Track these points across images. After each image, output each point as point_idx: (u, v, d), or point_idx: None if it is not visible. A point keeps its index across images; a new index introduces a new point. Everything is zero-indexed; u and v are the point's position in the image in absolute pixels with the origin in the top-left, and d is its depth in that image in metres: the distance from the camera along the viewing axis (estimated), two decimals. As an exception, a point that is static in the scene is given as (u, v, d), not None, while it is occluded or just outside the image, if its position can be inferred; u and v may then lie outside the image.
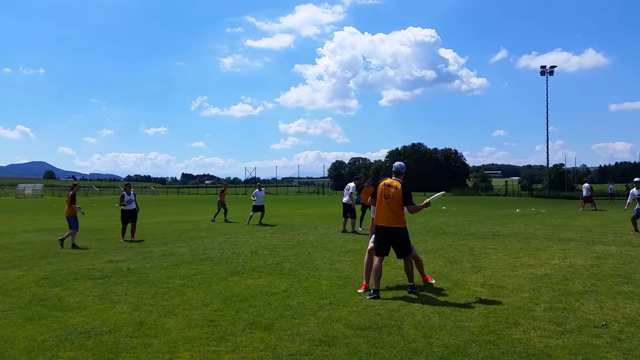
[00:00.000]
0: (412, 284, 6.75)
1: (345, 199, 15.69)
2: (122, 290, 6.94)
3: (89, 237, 13.95)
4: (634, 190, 14.46)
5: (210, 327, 5.15)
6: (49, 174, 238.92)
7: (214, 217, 20.19)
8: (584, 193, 27.33)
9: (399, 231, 6.66)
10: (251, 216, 18.73)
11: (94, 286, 7.25)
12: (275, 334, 4.91)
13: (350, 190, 15.61)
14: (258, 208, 18.81)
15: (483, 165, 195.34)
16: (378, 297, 6.39)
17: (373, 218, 7.16)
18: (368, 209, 13.70)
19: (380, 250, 6.73)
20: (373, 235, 7.01)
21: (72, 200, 12.38)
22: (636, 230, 14.30)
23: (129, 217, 13.48)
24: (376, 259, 6.70)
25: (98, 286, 7.24)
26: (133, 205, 13.63)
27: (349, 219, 15.32)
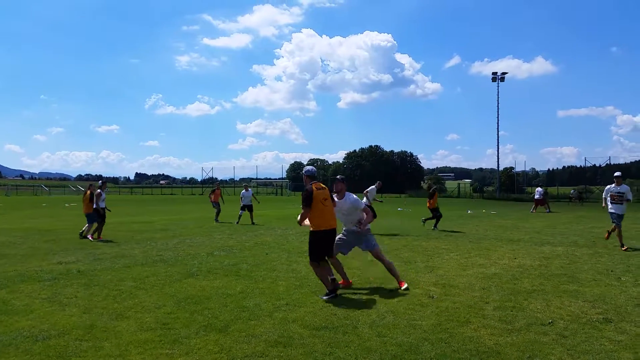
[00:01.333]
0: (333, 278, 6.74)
1: (364, 201, 15.69)
2: (71, 293, 6.73)
3: (38, 238, 13.47)
4: (611, 186, 11.95)
5: (163, 330, 5.06)
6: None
7: (217, 217, 19.83)
8: (536, 196, 28.26)
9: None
10: (240, 215, 19.15)
11: (42, 288, 7.00)
12: (231, 336, 4.87)
13: (372, 195, 15.65)
14: (246, 207, 19.25)
15: (437, 167, 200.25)
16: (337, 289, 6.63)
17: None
18: None
19: (327, 252, 6.85)
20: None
21: (91, 198, 13.78)
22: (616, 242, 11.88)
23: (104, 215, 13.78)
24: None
25: (46, 288, 7.00)
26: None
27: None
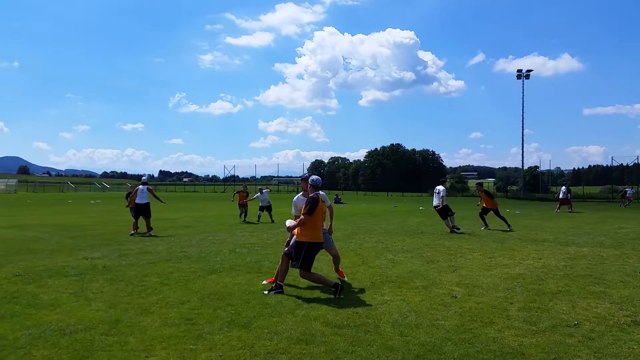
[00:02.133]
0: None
1: (436, 202, 15.52)
2: (97, 288, 6.85)
3: (64, 234, 13.73)
4: None
5: (187, 326, 5.11)
6: (23, 169, 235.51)
7: (245, 218, 19.64)
8: (561, 195, 27.74)
9: None
10: (259, 215, 19.44)
11: (68, 283, 7.14)
12: (253, 332, 4.91)
13: (441, 194, 15.44)
14: (264, 208, 19.56)
15: (460, 166, 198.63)
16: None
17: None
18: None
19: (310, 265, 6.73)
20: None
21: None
22: None
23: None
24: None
25: (73, 283, 7.14)
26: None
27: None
